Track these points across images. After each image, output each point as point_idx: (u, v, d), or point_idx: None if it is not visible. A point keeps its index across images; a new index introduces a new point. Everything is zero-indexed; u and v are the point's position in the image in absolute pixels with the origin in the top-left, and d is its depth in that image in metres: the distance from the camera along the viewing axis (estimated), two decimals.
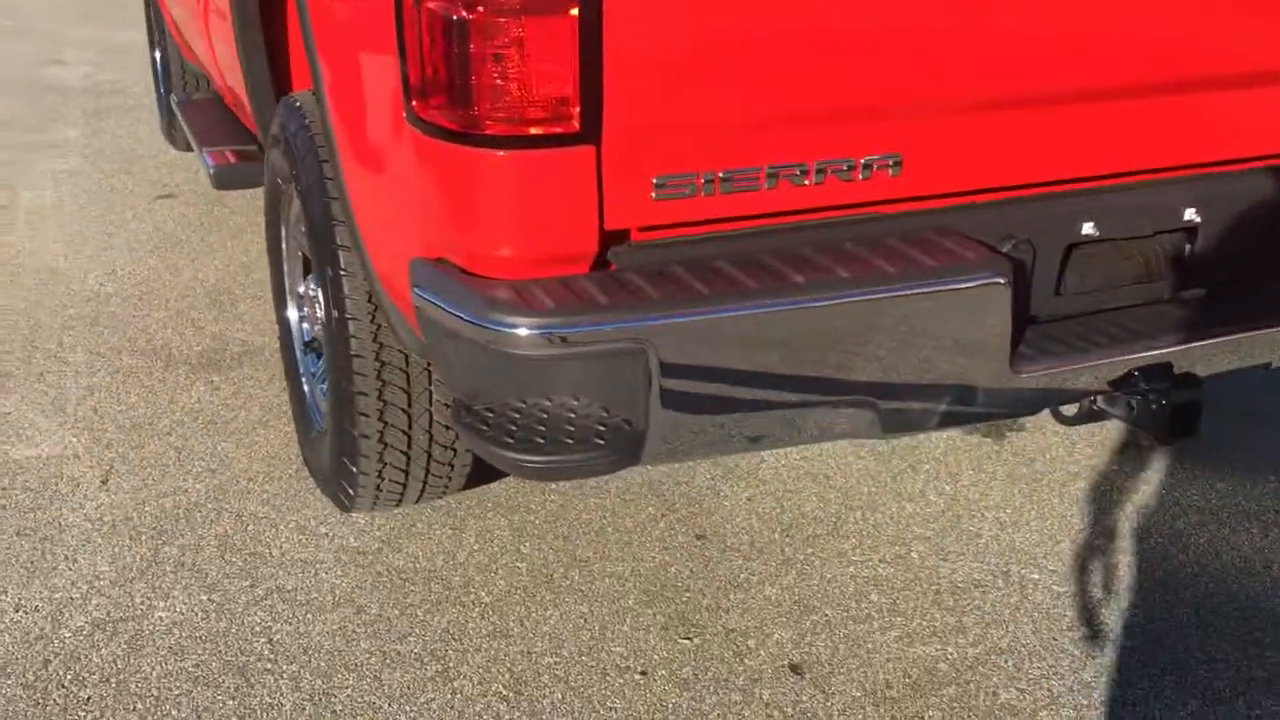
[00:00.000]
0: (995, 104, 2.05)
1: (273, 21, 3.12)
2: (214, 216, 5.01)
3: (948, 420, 2.08)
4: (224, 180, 4.03)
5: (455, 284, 1.85)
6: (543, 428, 1.84)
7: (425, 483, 2.76)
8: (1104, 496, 3.11)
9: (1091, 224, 2.19)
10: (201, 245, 4.72)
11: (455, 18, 1.74)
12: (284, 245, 3.07)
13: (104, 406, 3.49)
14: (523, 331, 1.77)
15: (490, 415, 1.88)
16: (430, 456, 2.67)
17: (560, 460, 1.80)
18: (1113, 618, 2.67)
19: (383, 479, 2.70)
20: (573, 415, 1.86)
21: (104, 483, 3.12)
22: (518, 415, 1.87)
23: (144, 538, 2.90)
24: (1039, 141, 2.12)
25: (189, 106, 4.79)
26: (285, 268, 3.12)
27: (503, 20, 1.73)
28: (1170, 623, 2.65)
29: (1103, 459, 3.27)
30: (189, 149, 5.16)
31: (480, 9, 1.73)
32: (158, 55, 5.84)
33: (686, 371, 1.81)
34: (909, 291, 1.90)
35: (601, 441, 1.82)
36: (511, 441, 1.82)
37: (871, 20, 1.94)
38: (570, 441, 1.81)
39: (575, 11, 1.73)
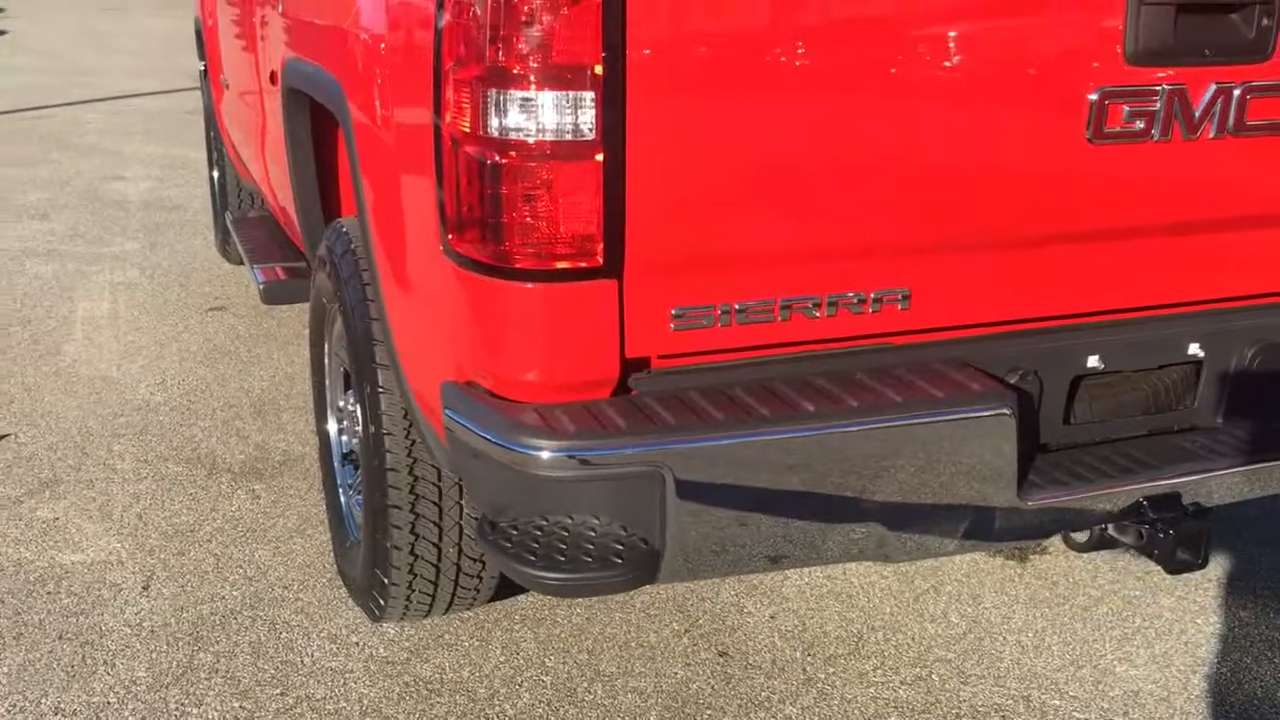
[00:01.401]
0: (1001, 243, 2.16)
1: (324, 148, 3.31)
2: (262, 329, 5.19)
3: (961, 546, 2.14)
4: (273, 295, 4.21)
5: (483, 407, 1.96)
6: (563, 545, 1.93)
7: (454, 594, 2.84)
8: (1126, 622, 3.12)
9: (1097, 357, 2.27)
10: (249, 357, 4.89)
11: (490, 161, 1.88)
12: (327, 361, 3.21)
13: (149, 513, 3.61)
14: (545, 454, 1.87)
15: (514, 533, 1.97)
16: (459, 569, 2.75)
17: (579, 578, 1.88)
18: None
19: (413, 590, 2.78)
20: (593, 534, 1.95)
21: (145, 589, 3.22)
22: (539, 533, 1.96)
23: (181, 643, 2.98)
24: (1044, 278, 2.22)
25: (243, 224, 5.03)
26: (327, 382, 3.26)
27: (534, 165, 1.87)
28: None
29: (1126, 584, 3.28)
30: (241, 263, 5.38)
31: (513, 154, 1.87)
32: (215, 174, 6.11)
33: (702, 493, 1.90)
34: (916, 421, 1.98)
35: (619, 560, 1.90)
36: (533, 559, 1.91)
37: (882, 163, 2.06)
38: (589, 560, 1.90)
39: (600, 157, 1.87)
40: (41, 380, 4.61)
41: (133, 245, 6.46)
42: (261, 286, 4.19)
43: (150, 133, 9.60)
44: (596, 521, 1.96)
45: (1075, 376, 2.30)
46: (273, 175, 4.10)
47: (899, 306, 2.12)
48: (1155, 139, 2.15)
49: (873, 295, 2.10)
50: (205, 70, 5.92)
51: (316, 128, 3.25)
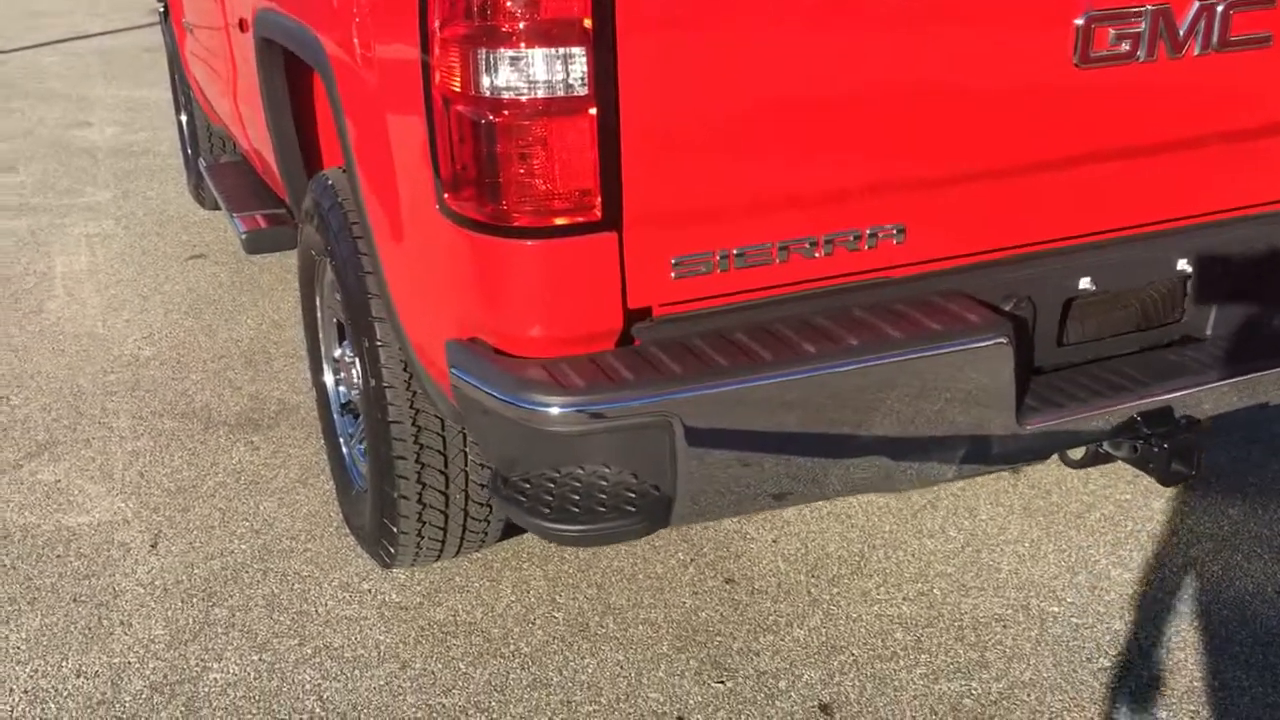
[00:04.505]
0: (993, 172, 2.17)
1: (299, 95, 3.26)
2: (244, 275, 5.17)
3: (960, 473, 2.19)
4: (255, 244, 4.18)
5: (490, 365, 1.98)
6: (577, 497, 1.97)
7: (463, 538, 2.88)
8: (1119, 527, 3.21)
9: (1088, 279, 2.30)
10: (234, 305, 4.87)
11: (483, 120, 1.87)
12: (319, 314, 3.21)
13: (149, 471, 3.63)
14: (555, 410, 1.89)
15: (527, 486, 2.00)
16: (467, 514, 2.79)
17: (596, 529, 1.92)
18: (1131, 648, 2.76)
19: (422, 537, 2.83)
20: (605, 483, 1.98)
21: (153, 547, 3.26)
22: (552, 485, 2.00)
23: (195, 600, 3.03)
24: (1036, 204, 2.24)
25: (217, 170, 4.96)
26: (320, 334, 3.26)
27: (527, 122, 1.86)
28: (1187, 651, 2.74)
29: (1117, 489, 3.36)
30: (217, 208, 5.32)
31: (506, 112, 1.86)
32: (184, 119, 6.01)
33: (710, 439, 1.94)
34: (915, 356, 2.01)
35: (633, 509, 1.94)
36: (548, 511, 1.94)
37: (874, 97, 2.06)
38: (603, 509, 1.94)
39: (593, 111, 1.86)
40: (28, 340, 4.59)
41: (105, 195, 6.38)
42: (244, 236, 4.15)
43: (111, 75, 9.40)
44: (608, 471, 2.00)
45: (1068, 299, 2.33)
46: (247, 121, 4.05)
47: (894, 241, 2.14)
48: (1141, 60, 2.16)
49: (868, 231, 2.11)
50: (166, 11, 5.79)
51: (291, 75, 3.21)
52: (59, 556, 3.23)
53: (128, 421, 3.93)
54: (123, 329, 4.67)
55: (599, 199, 1.92)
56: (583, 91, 1.85)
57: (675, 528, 3.21)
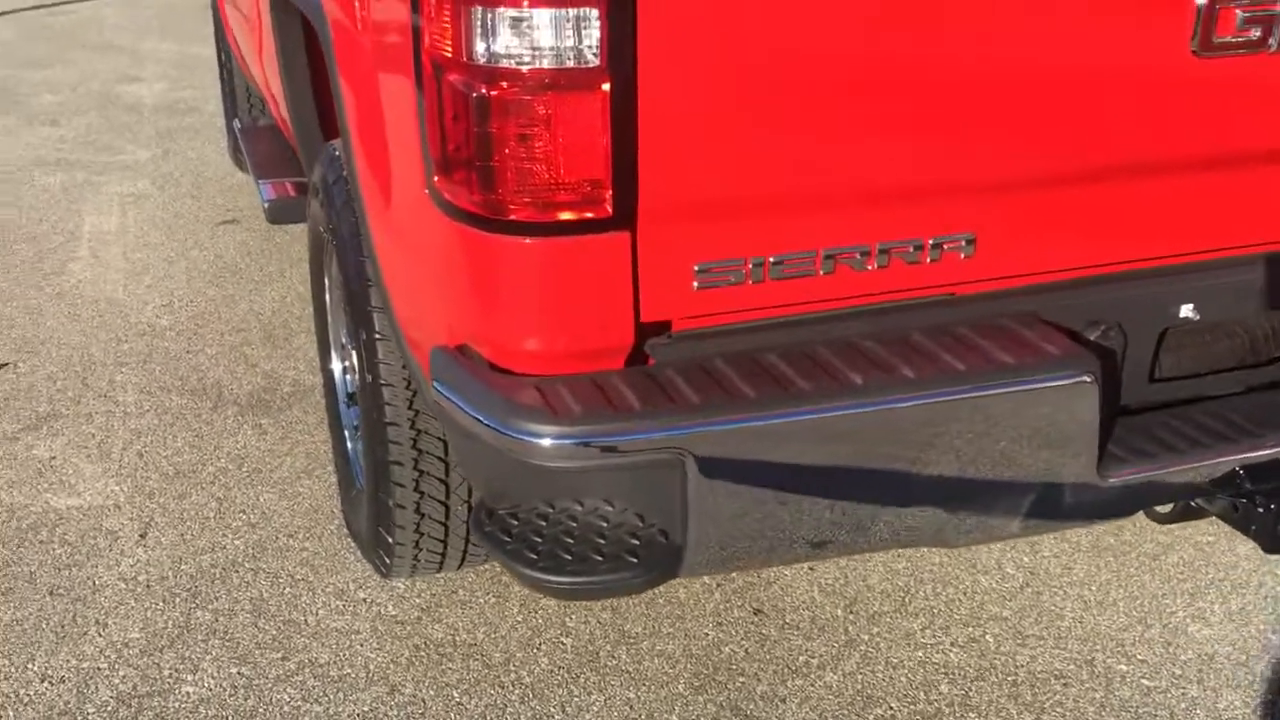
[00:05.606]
0: (1084, 176, 1.83)
1: (319, 60, 3.00)
2: (274, 243, 4.94)
3: (1026, 528, 1.87)
4: (278, 214, 3.94)
5: (475, 383, 1.69)
6: (570, 540, 1.68)
7: (465, 552, 2.62)
8: (1199, 574, 2.87)
9: (1190, 306, 1.96)
10: (260, 275, 4.64)
11: (477, 94, 1.58)
12: (327, 296, 2.95)
13: (149, 451, 3.41)
14: (546, 441, 1.60)
15: (514, 524, 1.72)
16: (470, 526, 2.52)
17: (588, 582, 1.63)
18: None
19: (420, 549, 2.56)
20: (604, 524, 1.69)
21: (142, 537, 3.03)
22: (544, 524, 1.71)
23: (178, 600, 2.80)
24: (1131, 216, 1.90)
25: (251, 134, 4.72)
26: (329, 318, 3.00)
27: (529, 97, 1.56)
28: None
29: (1198, 529, 3.01)
30: None
31: (504, 84, 1.57)
32: (224, 77, 5.79)
33: (728, 484, 1.63)
34: (981, 394, 1.69)
35: (634, 559, 1.65)
36: (534, 557, 1.66)
37: (945, 81, 1.73)
38: (600, 558, 1.65)
39: (607, 86, 1.56)
40: (45, 303, 4.40)
41: (145, 153, 6.19)
42: (267, 205, 3.91)
43: (167, 29, 9.24)
44: (609, 510, 1.71)
45: (1164, 328, 1.99)
46: (272, 84, 3.80)
47: (962, 254, 1.82)
48: (1273, 49, 1.80)
49: (931, 241, 1.79)
50: None
51: (310, 35, 2.94)
52: (42, 542, 3.01)
53: (134, 396, 3.72)
54: (143, 295, 4.46)
55: (610, 192, 1.61)
56: (595, 63, 1.54)
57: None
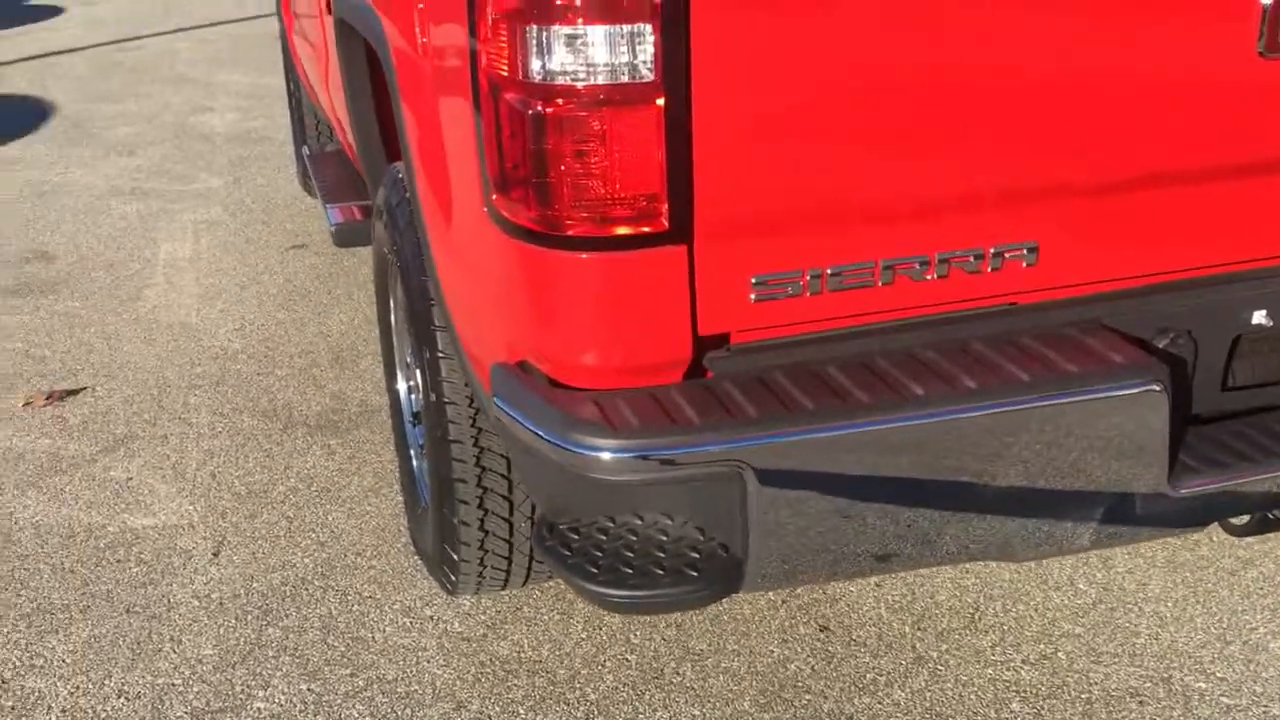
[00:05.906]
0: (1150, 181, 1.80)
1: (382, 84, 3.05)
2: (342, 267, 5.02)
3: (1095, 542, 1.83)
4: (345, 238, 4.01)
5: (534, 398, 1.70)
6: (631, 554, 1.68)
7: (530, 569, 2.63)
8: None
9: (1264, 313, 1.91)
10: (329, 298, 4.72)
11: (533, 111, 1.60)
12: (392, 317, 2.99)
13: (222, 472, 3.48)
14: (605, 455, 1.60)
15: (575, 538, 1.72)
16: (532, 541, 2.53)
17: (650, 595, 1.63)
18: None
19: (485, 566, 2.58)
20: (665, 538, 1.69)
21: (215, 555, 3.09)
22: (604, 538, 1.71)
23: (250, 617, 2.84)
24: (1200, 221, 1.86)
25: (319, 159, 4.81)
26: (395, 340, 3.04)
27: (584, 114, 1.58)
28: None
29: (1279, 543, 2.93)
30: None
31: (560, 101, 1.58)
32: (293, 105, 5.92)
33: (788, 496, 1.62)
34: (1045, 404, 1.67)
35: (695, 572, 1.65)
36: (595, 571, 1.66)
37: (1007, 87, 1.71)
38: (660, 572, 1.64)
39: (661, 102, 1.57)
40: (121, 328, 4.51)
41: (218, 181, 6.34)
42: (334, 228, 3.98)
43: (238, 60, 9.46)
44: (669, 523, 1.70)
45: (1236, 335, 1.94)
46: (338, 109, 3.87)
47: (1024, 263, 1.79)
48: None
49: (992, 251, 1.77)
50: None
51: (374, 59, 2.99)
52: (119, 561, 3.08)
53: (207, 418, 3.79)
54: (215, 320, 4.55)
55: (666, 206, 1.62)
56: (649, 78, 1.55)
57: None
